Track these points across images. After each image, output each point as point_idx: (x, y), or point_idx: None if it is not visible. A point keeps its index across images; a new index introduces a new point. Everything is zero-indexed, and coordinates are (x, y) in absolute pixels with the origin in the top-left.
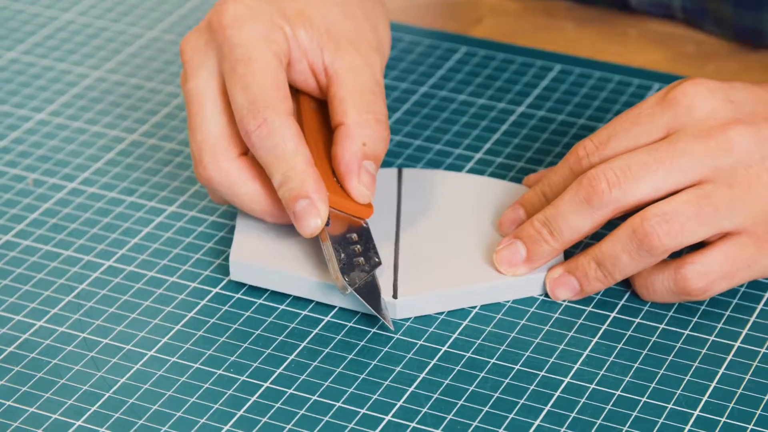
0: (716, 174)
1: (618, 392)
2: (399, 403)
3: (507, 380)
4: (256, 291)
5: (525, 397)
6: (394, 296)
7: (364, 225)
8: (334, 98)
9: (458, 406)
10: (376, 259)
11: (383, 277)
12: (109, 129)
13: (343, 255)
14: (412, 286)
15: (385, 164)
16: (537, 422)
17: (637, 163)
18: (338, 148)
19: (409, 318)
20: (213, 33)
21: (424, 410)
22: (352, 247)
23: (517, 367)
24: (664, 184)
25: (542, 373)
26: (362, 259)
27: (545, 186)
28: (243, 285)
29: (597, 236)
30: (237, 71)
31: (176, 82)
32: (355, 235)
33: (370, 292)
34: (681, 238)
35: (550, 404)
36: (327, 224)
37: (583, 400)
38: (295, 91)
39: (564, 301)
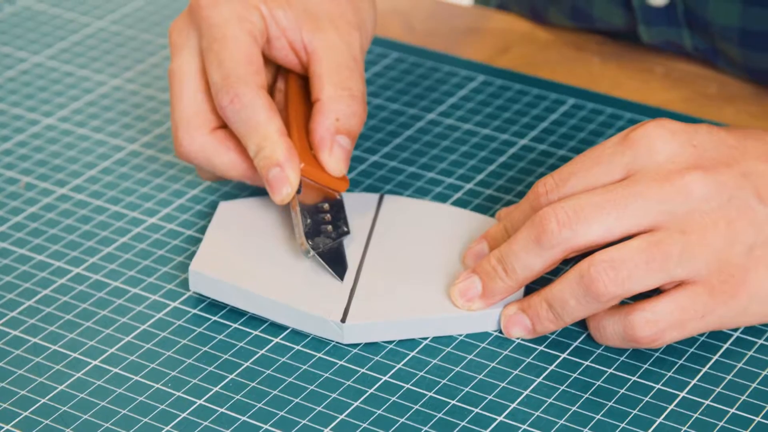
0: (671, 220)
1: None
2: (326, 430)
3: (439, 414)
4: (213, 308)
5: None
6: (343, 320)
7: (338, 197)
8: (313, 75)
9: None
10: (345, 229)
11: (337, 300)
12: (112, 137)
13: (309, 221)
14: (363, 312)
15: (375, 190)
16: None
17: (590, 204)
18: (313, 123)
19: (358, 345)
20: (192, 14)
21: None
22: (322, 216)
23: (452, 402)
24: (617, 228)
25: (476, 410)
26: (330, 227)
27: (508, 222)
28: (202, 300)
29: (558, 272)
30: (212, 49)
31: None
32: (326, 206)
33: (334, 258)
34: (628, 286)
35: None
36: (298, 192)
37: None
38: (285, 71)
39: (517, 338)
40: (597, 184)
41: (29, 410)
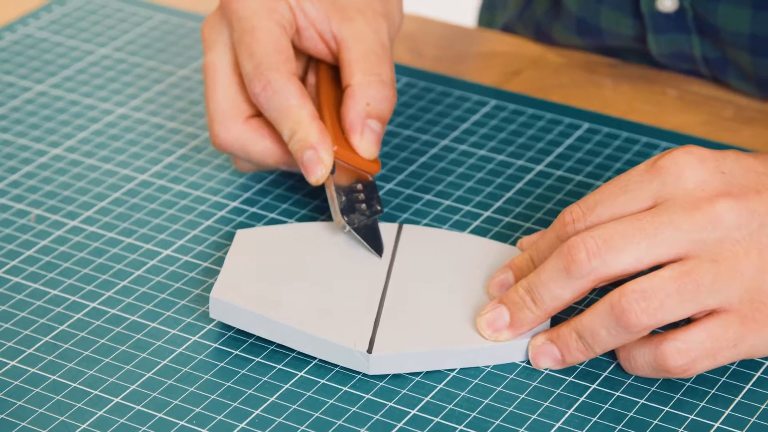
0: (701, 248)
1: None
2: None
3: None
4: (235, 341)
5: None
6: (369, 351)
7: (371, 179)
8: (343, 62)
9: None
10: (378, 207)
11: (362, 330)
12: (121, 168)
13: (344, 198)
14: (390, 342)
15: (391, 218)
16: None
17: (619, 234)
18: (344, 108)
19: (384, 377)
20: (223, 10)
21: None
22: (356, 195)
23: None
24: (647, 257)
25: None
26: (364, 205)
27: (533, 251)
28: (222, 334)
29: (589, 302)
30: (243, 41)
31: (197, 123)
32: (360, 186)
33: (369, 234)
34: (660, 316)
35: None
36: (332, 173)
37: None
38: (316, 63)
39: (546, 369)
40: (624, 213)
41: None
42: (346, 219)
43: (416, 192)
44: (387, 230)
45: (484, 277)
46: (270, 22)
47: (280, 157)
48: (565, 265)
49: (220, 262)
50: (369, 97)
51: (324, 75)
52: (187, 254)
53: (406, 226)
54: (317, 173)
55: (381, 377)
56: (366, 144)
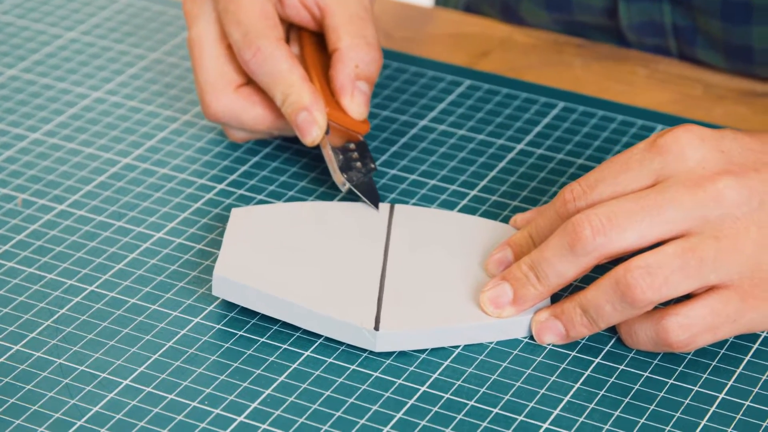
0: (703, 225)
1: None
2: None
3: (485, 423)
4: (237, 322)
5: None
6: (376, 328)
7: (361, 139)
8: (328, 28)
9: None
10: (372, 165)
11: (366, 307)
12: (103, 152)
13: (341, 157)
14: (395, 320)
15: (380, 199)
16: None
17: (623, 211)
18: (333, 71)
19: (390, 355)
20: None
21: None
22: (350, 154)
23: (495, 410)
24: (650, 234)
25: (521, 418)
26: (359, 163)
27: (532, 229)
28: (224, 315)
29: (587, 279)
30: (229, 10)
31: (175, 106)
32: (352, 145)
33: (367, 190)
34: (664, 292)
35: None
36: (327, 133)
37: None
38: (297, 29)
39: (548, 344)
40: (626, 191)
41: None
42: (345, 176)
43: (401, 172)
44: (380, 210)
45: (480, 255)
46: None
47: (273, 122)
48: (569, 242)
49: (213, 243)
50: (357, 59)
51: (307, 41)
52: (180, 236)
53: (398, 206)
54: (312, 133)
55: (387, 355)
56: (356, 105)
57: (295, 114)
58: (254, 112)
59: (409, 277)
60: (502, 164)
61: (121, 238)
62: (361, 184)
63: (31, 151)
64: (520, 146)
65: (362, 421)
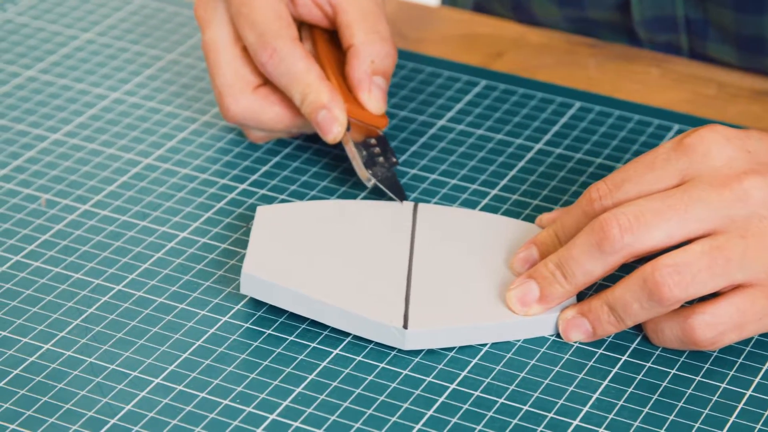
0: (730, 225)
1: None
2: None
3: (515, 421)
4: (265, 321)
5: None
6: (405, 326)
7: (381, 134)
8: (341, 25)
9: None
10: (394, 159)
11: (395, 305)
12: (124, 152)
13: (364, 153)
14: (424, 318)
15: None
16: None
17: (650, 210)
18: (349, 68)
19: (419, 353)
20: None
21: None
22: (372, 149)
23: (525, 407)
24: (678, 233)
25: (551, 415)
26: (382, 158)
27: (558, 227)
28: (252, 314)
29: (612, 277)
30: (242, 13)
31: (194, 107)
32: (373, 141)
33: (392, 185)
34: (692, 290)
35: None
36: (348, 129)
37: None
38: (309, 27)
39: (575, 342)
40: (652, 190)
41: (100, 431)
42: (370, 172)
43: (421, 172)
44: (403, 208)
45: (505, 253)
46: None
47: (292, 121)
48: (597, 241)
49: (238, 243)
50: (373, 54)
51: (320, 39)
52: (204, 236)
53: (421, 205)
54: (333, 131)
55: (415, 353)
56: (374, 100)
57: (315, 113)
58: (273, 111)
59: (435, 275)
60: (521, 164)
61: (146, 238)
62: (386, 179)
63: (52, 151)
64: (538, 146)
65: (393, 419)
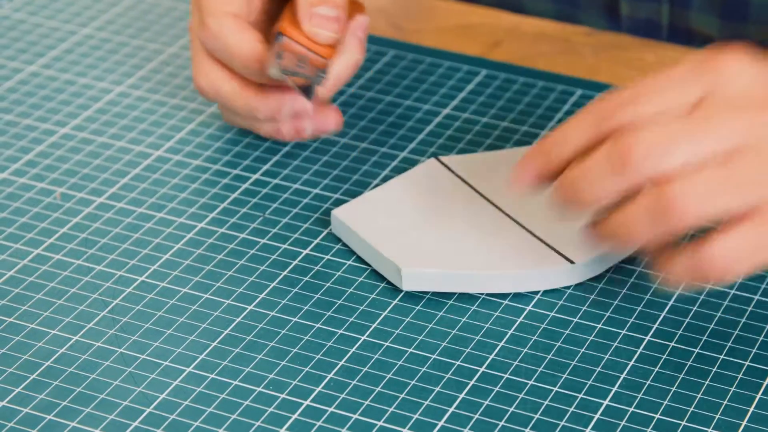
0: (753, 145)
1: (657, 416)
2: (440, 423)
3: (546, 402)
4: (290, 309)
5: (565, 418)
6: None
7: (326, 67)
8: None
9: (498, 427)
10: (322, 75)
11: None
12: (134, 144)
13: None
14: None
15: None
16: None
17: (674, 132)
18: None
19: (446, 336)
20: None
21: (465, 430)
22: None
23: (555, 389)
24: (700, 152)
25: (581, 396)
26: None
27: (570, 134)
28: (277, 303)
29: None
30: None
31: (199, 99)
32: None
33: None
34: (705, 206)
35: (590, 426)
36: (280, 58)
37: (623, 423)
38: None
39: (600, 320)
40: (672, 107)
41: (138, 420)
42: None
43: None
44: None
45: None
46: None
47: (250, 100)
48: (619, 163)
49: (255, 232)
50: None
51: None
52: (222, 226)
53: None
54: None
55: (443, 337)
56: (317, 29)
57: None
58: (230, 85)
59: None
60: None
61: (164, 229)
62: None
63: (62, 145)
64: (544, 132)
65: (426, 402)
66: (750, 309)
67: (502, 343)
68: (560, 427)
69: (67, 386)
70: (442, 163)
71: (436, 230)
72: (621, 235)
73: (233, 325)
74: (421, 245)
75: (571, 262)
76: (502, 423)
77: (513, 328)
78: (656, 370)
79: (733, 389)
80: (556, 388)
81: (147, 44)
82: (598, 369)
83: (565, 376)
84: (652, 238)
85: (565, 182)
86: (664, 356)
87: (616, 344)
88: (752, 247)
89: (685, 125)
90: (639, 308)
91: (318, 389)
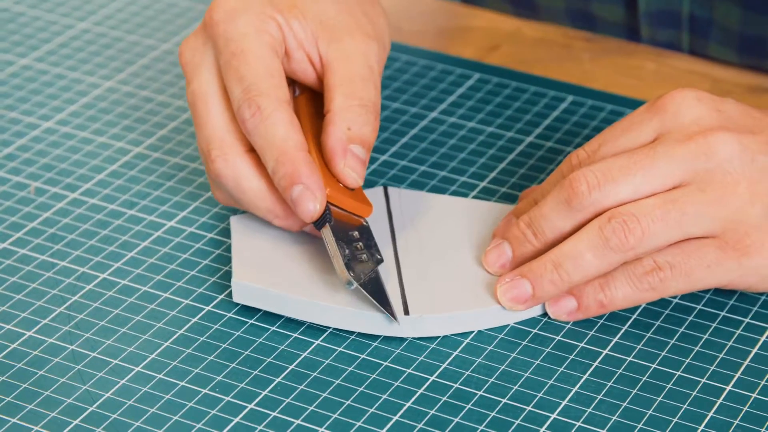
0: (693, 178)
1: (604, 431)
2: (382, 431)
3: (493, 413)
4: (247, 310)
5: (510, 431)
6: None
7: (365, 224)
8: (326, 87)
9: None
10: (378, 256)
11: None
12: (115, 140)
13: (347, 251)
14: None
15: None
16: None
17: (617, 167)
18: (324, 135)
19: (401, 343)
20: (207, 30)
21: None
22: (355, 244)
23: (504, 400)
24: (644, 188)
25: (529, 408)
26: (365, 255)
27: (538, 194)
28: (236, 304)
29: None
30: (232, 64)
31: (185, 96)
32: (356, 233)
33: (375, 287)
34: (646, 240)
35: None
36: (330, 221)
37: None
38: (294, 92)
39: (559, 332)
40: (630, 147)
41: (79, 419)
42: (352, 274)
43: (411, 163)
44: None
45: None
46: (260, 44)
47: (269, 203)
48: (566, 198)
49: (224, 233)
50: (350, 121)
51: (304, 107)
52: (191, 225)
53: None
54: (309, 209)
55: (397, 344)
56: (349, 171)
57: (288, 188)
58: (255, 184)
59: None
60: (511, 157)
61: (132, 227)
62: (370, 282)
63: (44, 139)
64: (529, 139)
65: (371, 410)
66: (714, 325)
67: (456, 352)
68: None
69: (14, 382)
70: (386, 195)
71: (308, 257)
72: (553, 275)
73: (189, 325)
74: (275, 265)
75: (393, 321)
76: None
77: (469, 338)
78: (610, 384)
79: (685, 406)
80: (504, 400)
81: (143, 40)
82: (551, 382)
83: (515, 387)
84: (590, 272)
85: (522, 224)
86: (620, 371)
87: (572, 357)
88: (685, 264)
89: (627, 160)
90: (601, 321)
91: (264, 393)
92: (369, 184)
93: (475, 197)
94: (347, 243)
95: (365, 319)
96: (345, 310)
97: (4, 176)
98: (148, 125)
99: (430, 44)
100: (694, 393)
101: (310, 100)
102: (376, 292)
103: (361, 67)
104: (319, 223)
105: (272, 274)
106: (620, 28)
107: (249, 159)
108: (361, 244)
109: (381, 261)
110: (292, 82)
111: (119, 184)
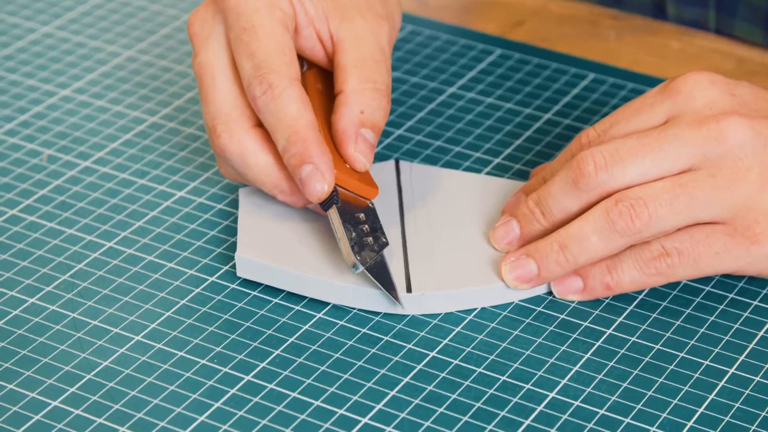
0: (704, 163)
1: (602, 411)
2: (378, 406)
3: (491, 391)
4: (251, 282)
5: (506, 409)
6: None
7: (371, 205)
8: (337, 67)
9: (437, 413)
10: (384, 239)
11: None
12: (131, 110)
13: (353, 234)
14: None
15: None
16: None
17: (626, 148)
18: (336, 116)
19: (402, 319)
20: (218, 3)
21: (403, 415)
22: (361, 227)
23: (503, 378)
24: (652, 170)
25: (527, 386)
26: (371, 238)
27: (547, 172)
28: (238, 276)
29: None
30: (242, 40)
31: None
32: (362, 215)
33: (380, 271)
34: (654, 225)
35: (530, 419)
36: (337, 203)
37: (565, 417)
38: (303, 68)
39: (564, 311)
40: (641, 129)
41: (75, 386)
42: (359, 258)
43: (426, 138)
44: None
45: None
46: (271, 19)
47: (276, 179)
48: (573, 178)
49: (234, 204)
50: (363, 104)
51: (312, 83)
52: (201, 196)
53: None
54: (317, 190)
55: (398, 319)
56: (360, 155)
57: (298, 167)
58: (262, 160)
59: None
60: (528, 133)
61: (142, 196)
62: (376, 267)
63: (59, 107)
64: (547, 116)
65: (369, 384)
66: (722, 307)
67: (458, 329)
68: (500, 417)
69: (13, 348)
70: (397, 169)
71: (314, 234)
72: (558, 256)
73: (191, 295)
74: (280, 241)
75: (395, 301)
76: (440, 410)
77: (473, 315)
78: (611, 364)
79: (686, 388)
80: (503, 378)
81: (166, 9)
82: (552, 360)
83: (515, 365)
84: (597, 254)
85: (530, 202)
86: (623, 351)
87: (575, 336)
88: (692, 247)
89: (637, 141)
90: (607, 301)
91: (262, 365)
92: (382, 157)
93: (488, 173)
94: (354, 225)
95: (368, 296)
96: (348, 287)
97: (18, 143)
98: (165, 95)
99: (454, 18)
100: (697, 375)
101: (318, 75)
102: (380, 276)
103: (373, 49)
104: (326, 203)
105: (276, 250)
106: (647, 6)
107: (255, 134)
108: (366, 226)
109: (386, 244)
110: (300, 58)
111: (132, 153)
